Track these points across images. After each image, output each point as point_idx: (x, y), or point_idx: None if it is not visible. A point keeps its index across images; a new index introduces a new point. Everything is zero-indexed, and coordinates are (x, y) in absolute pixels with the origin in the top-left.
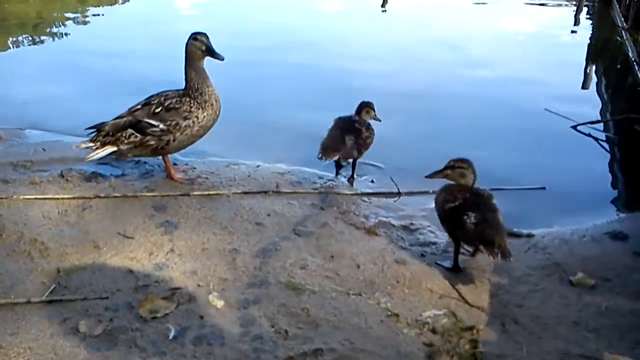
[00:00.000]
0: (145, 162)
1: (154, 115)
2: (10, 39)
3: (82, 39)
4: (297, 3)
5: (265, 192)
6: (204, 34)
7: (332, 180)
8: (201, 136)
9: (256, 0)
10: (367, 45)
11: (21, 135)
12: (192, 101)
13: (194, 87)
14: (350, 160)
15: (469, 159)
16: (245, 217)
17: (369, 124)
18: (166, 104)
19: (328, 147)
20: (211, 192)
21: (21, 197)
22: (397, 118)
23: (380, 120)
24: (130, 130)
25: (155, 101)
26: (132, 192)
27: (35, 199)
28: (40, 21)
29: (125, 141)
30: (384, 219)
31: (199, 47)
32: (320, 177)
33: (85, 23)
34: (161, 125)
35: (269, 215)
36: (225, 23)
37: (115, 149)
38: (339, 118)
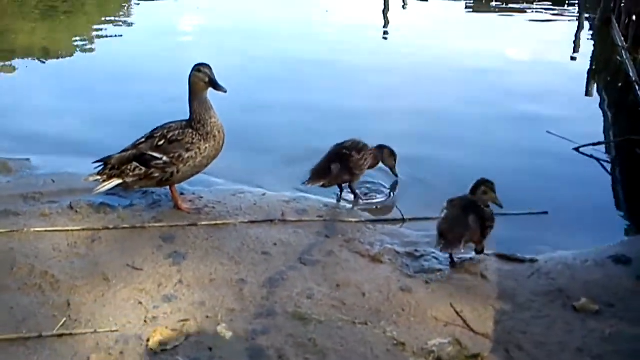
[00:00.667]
0: (152, 192)
1: (157, 148)
2: (18, 70)
3: (88, 68)
4: (297, 28)
5: (272, 221)
6: (207, 66)
7: (337, 207)
8: (205, 166)
9: (256, 27)
10: (368, 69)
11: (30, 166)
12: (194, 133)
13: (197, 118)
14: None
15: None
16: (252, 247)
17: (363, 147)
18: (169, 136)
19: (314, 174)
20: (218, 222)
21: (32, 229)
22: (398, 141)
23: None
24: (135, 163)
25: (159, 134)
26: (141, 222)
27: (46, 231)
28: (46, 52)
29: (131, 174)
30: (389, 246)
31: (202, 79)
32: (326, 205)
33: (91, 50)
34: (164, 158)
35: (275, 244)
36: (229, 46)
37: (121, 181)
38: (335, 145)
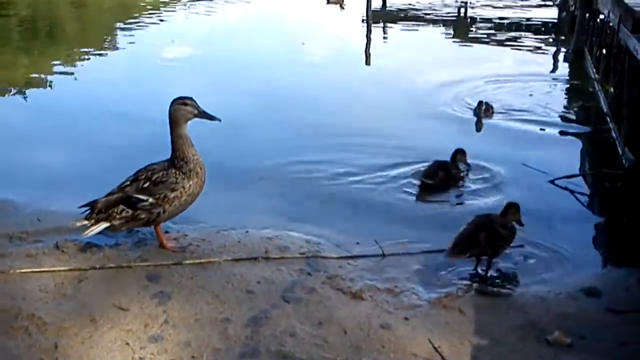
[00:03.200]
0: (137, 231)
1: (142, 190)
2: None
3: (70, 101)
4: (281, 58)
5: (255, 259)
6: (191, 98)
7: (318, 243)
8: (190, 203)
9: (235, 59)
10: (352, 102)
11: (16, 205)
12: (177, 172)
13: (180, 155)
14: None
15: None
16: (236, 285)
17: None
18: (153, 178)
19: (458, 244)
20: (203, 260)
21: (18, 270)
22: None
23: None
24: (121, 206)
25: (143, 176)
26: (127, 262)
27: (32, 272)
28: (27, 84)
29: (118, 217)
30: (369, 282)
31: (190, 112)
32: (307, 241)
33: (72, 82)
34: (150, 199)
35: (258, 282)
36: (209, 78)
37: (108, 224)
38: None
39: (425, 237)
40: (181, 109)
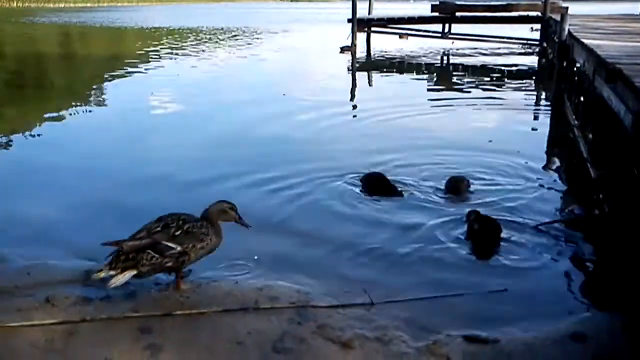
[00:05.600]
0: (128, 283)
1: (173, 238)
2: None
3: (56, 154)
4: (255, 110)
5: (245, 309)
6: (234, 205)
7: (307, 293)
8: (207, 255)
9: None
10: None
11: (5, 258)
12: (209, 225)
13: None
14: None
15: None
16: (226, 336)
17: None
18: (185, 227)
19: None
20: (193, 311)
21: (7, 325)
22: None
23: None
24: (150, 253)
25: (174, 224)
26: (118, 313)
27: (22, 326)
28: (13, 134)
29: (147, 263)
30: (359, 331)
31: (233, 217)
32: (297, 291)
33: (59, 134)
34: (179, 248)
35: (249, 333)
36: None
37: (136, 272)
38: None
39: (414, 282)
40: (226, 210)
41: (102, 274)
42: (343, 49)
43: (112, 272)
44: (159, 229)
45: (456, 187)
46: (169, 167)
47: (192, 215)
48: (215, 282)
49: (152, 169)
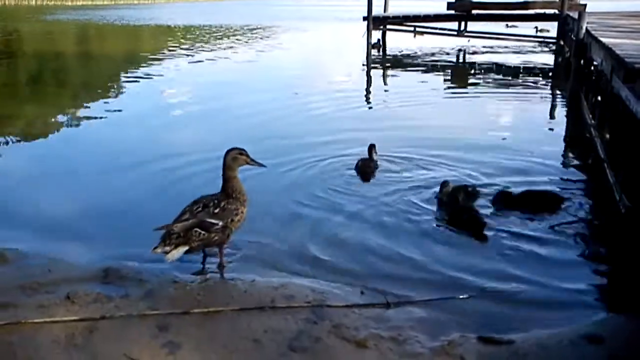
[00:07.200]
0: (147, 281)
1: (214, 215)
2: (2, 155)
3: (74, 149)
4: (269, 110)
5: (262, 308)
6: (244, 149)
7: (323, 292)
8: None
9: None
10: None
11: (28, 255)
12: (236, 201)
13: (238, 190)
14: None
15: None
16: (243, 335)
17: None
18: (221, 205)
19: None
20: (210, 310)
21: (30, 321)
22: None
23: None
24: (198, 230)
25: (211, 204)
26: (137, 311)
27: (44, 322)
28: (31, 134)
29: (196, 239)
30: (374, 331)
31: (245, 160)
32: (313, 290)
33: (77, 131)
34: (221, 223)
35: (265, 331)
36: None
37: (187, 247)
38: None
39: (429, 283)
40: (238, 157)
41: (159, 250)
42: (374, 45)
43: (167, 248)
44: (200, 209)
45: (455, 198)
46: (189, 163)
47: (218, 194)
48: (232, 281)
49: (173, 163)
